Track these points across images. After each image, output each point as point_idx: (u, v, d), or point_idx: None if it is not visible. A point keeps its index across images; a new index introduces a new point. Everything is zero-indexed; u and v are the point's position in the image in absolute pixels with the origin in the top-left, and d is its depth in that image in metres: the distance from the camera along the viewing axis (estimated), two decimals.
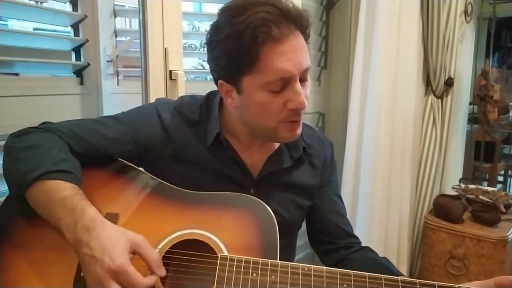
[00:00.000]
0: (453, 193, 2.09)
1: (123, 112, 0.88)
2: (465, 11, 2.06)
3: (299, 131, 0.80)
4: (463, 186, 2.13)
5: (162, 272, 0.67)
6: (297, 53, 0.72)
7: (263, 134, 0.82)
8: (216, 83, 0.80)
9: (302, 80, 0.75)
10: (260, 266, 0.69)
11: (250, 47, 0.69)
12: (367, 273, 0.69)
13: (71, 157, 0.75)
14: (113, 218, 0.74)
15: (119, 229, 0.66)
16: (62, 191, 0.67)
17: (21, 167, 0.69)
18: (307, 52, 0.75)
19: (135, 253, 0.65)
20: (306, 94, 0.76)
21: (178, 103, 0.88)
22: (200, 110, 0.86)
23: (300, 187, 0.90)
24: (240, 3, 0.72)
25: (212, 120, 0.84)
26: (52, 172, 0.69)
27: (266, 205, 0.77)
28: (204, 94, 0.90)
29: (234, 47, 0.71)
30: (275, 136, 0.80)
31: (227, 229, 0.74)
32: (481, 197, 1.99)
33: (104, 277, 0.60)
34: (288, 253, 0.93)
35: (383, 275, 0.69)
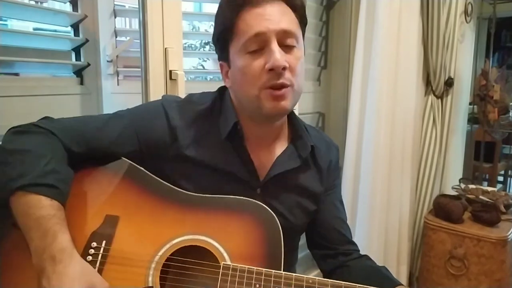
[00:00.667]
0: (453, 193, 2.09)
1: (128, 109, 0.85)
2: (465, 11, 2.06)
3: (284, 103, 0.76)
4: (463, 186, 2.13)
5: None
6: (274, 15, 0.74)
7: (251, 109, 0.80)
8: (221, 68, 0.83)
9: (285, 45, 0.75)
10: (263, 277, 0.68)
11: (229, 13, 0.75)
12: (372, 287, 0.68)
13: (63, 167, 0.72)
14: (113, 221, 0.73)
15: (84, 269, 0.64)
16: (40, 209, 0.65)
17: (7, 172, 0.67)
18: (292, 20, 0.77)
19: None
20: (292, 62, 0.75)
21: (186, 100, 0.87)
22: (213, 101, 0.86)
23: (306, 190, 0.89)
24: None
25: (227, 111, 0.83)
26: (35, 185, 0.66)
27: (271, 212, 0.75)
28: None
29: (218, 18, 0.78)
30: (260, 107, 0.77)
31: (230, 236, 0.72)
32: (481, 197, 1.99)
33: None
34: (290, 257, 0.91)
35: None
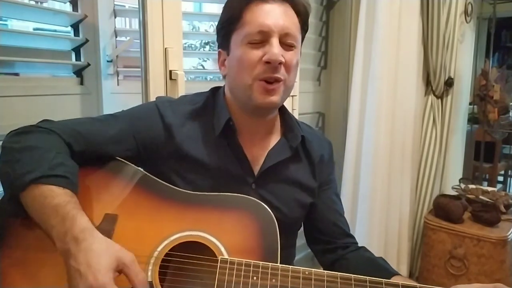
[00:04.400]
0: (453, 193, 2.09)
1: (123, 110, 0.87)
2: (465, 11, 2.06)
3: (275, 98, 0.80)
4: (463, 186, 2.13)
5: None
6: (279, 15, 0.78)
7: (243, 98, 0.82)
8: (219, 56, 0.87)
9: (285, 45, 0.79)
10: (260, 270, 0.69)
11: (238, 3, 0.79)
12: (367, 277, 0.69)
13: (69, 160, 0.73)
14: (112, 219, 0.74)
15: (109, 244, 0.64)
16: (55, 198, 0.66)
17: (17, 169, 0.68)
18: (295, 24, 0.81)
19: (121, 272, 0.63)
20: (290, 60, 0.80)
21: (179, 100, 0.90)
22: (205, 100, 0.88)
23: (300, 183, 0.90)
24: None
25: (220, 108, 0.86)
26: (47, 177, 0.67)
27: (266, 207, 0.76)
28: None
29: (226, 7, 0.82)
30: (251, 98, 0.80)
31: (227, 231, 0.74)
32: (481, 197, 1.99)
33: None
34: (288, 253, 0.93)
35: (383, 280, 0.69)
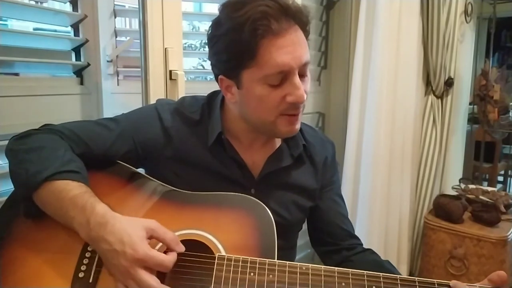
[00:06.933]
0: (453, 193, 2.09)
1: (123, 113, 0.88)
2: (465, 11, 2.06)
3: (297, 126, 0.80)
4: (463, 186, 2.13)
5: (181, 248, 0.69)
6: (296, 47, 0.73)
7: (262, 129, 0.82)
8: (217, 79, 0.80)
9: (302, 75, 0.76)
10: (257, 266, 0.69)
11: (249, 40, 0.70)
12: (365, 271, 0.69)
13: (76, 157, 0.75)
14: None
15: (131, 219, 0.67)
16: (71, 190, 0.68)
17: (29, 169, 0.69)
18: (307, 47, 0.76)
19: (151, 238, 0.67)
20: (306, 89, 0.77)
21: (179, 104, 0.89)
22: (201, 110, 0.87)
23: (300, 187, 0.90)
24: None
25: (214, 120, 0.84)
26: (61, 173, 0.69)
27: (264, 205, 0.77)
28: (205, 94, 0.90)
29: (234, 40, 0.72)
30: (274, 131, 0.80)
31: (224, 229, 0.74)
32: (481, 197, 1.99)
33: (131, 267, 0.62)
34: (288, 254, 0.92)
35: (381, 274, 0.69)
